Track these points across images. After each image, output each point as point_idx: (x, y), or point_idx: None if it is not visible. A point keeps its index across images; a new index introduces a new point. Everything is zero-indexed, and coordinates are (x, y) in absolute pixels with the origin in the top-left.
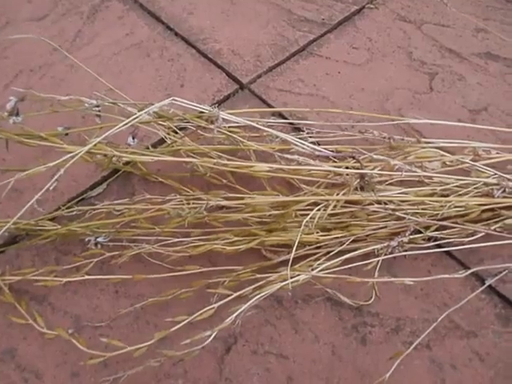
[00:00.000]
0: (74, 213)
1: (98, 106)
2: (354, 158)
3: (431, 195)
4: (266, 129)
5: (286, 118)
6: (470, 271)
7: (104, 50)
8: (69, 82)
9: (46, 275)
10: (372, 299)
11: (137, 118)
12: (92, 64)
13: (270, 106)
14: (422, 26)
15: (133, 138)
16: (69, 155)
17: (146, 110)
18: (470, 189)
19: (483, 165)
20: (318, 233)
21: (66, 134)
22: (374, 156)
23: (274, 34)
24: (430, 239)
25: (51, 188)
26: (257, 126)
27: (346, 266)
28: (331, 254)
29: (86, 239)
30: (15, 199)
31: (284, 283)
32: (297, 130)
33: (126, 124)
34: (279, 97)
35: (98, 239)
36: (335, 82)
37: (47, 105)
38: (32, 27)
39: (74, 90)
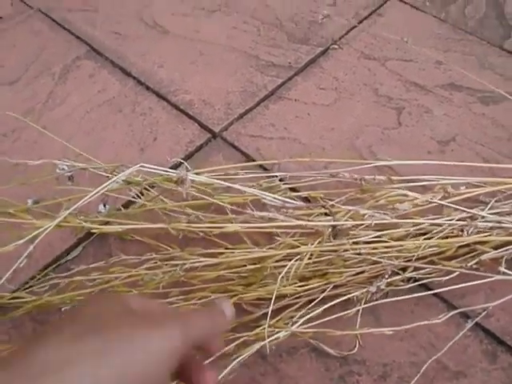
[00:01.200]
0: (50, 283)
1: (70, 172)
2: (324, 207)
3: (405, 236)
4: (234, 185)
5: (260, 165)
6: (451, 313)
7: (76, 109)
8: (41, 145)
9: None
10: (356, 348)
11: (105, 187)
12: (65, 124)
13: (242, 152)
14: (385, 62)
15: (104, 206)
16: (39, 231)
17: (114, 179)
18: (443, 227)
19: (453, 202)
20: (296, 283)
21: (37, 203)
22: (342, 207)
23: (243, 81)
24: (409, 280)
25: (22, 263)
26: (224, 183)
27: (328, 318)
28: (312, 303)
29: (63, 309)
30: None
31: (263, 342)
32: (271, 176)
33: (96, 193)
34: (251, 142)
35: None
36: (305, 124)
37: (21, 169)
38: (4, 91)
39: (46, 152)
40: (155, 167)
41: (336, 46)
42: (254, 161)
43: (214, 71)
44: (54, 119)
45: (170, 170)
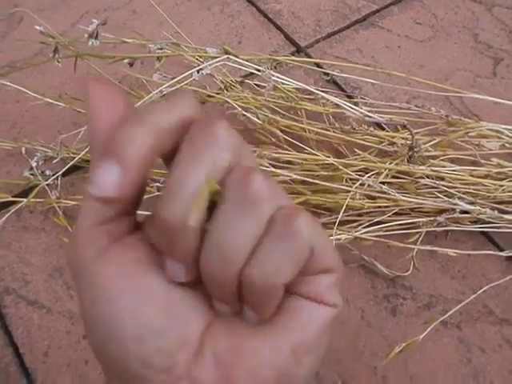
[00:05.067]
0: None
1: (161, 49)
2: (405, 126)
3: (485, 177)
4: (320, 92)
5: (339, 86)
6: (509, 253)
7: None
8: (130, 27)
9: None
10: (408, 272)
11: (203, 68)
12: (154, 12)
13: (325, 72)
14: (492, 8)
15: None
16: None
17: (213, 62)
18: None
19: None
20: (363, 199)
21: (131, 65)
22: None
23: (337, 1)
24: (476, 222)
25: None
26: (310, 88)
27: (387, 233)
28: (373, 221)
29: None
30: (76, 133)
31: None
32: (350, 98)
33: (199, 71)
34: (335, 64)
35: None
36: (394, 56)
37: (110, 46)
38: None
39: (134, 34)
40: (242, 61)
41: None
42: (334, 82)
43: None
44: (149, 5)
45: (256, 67)
